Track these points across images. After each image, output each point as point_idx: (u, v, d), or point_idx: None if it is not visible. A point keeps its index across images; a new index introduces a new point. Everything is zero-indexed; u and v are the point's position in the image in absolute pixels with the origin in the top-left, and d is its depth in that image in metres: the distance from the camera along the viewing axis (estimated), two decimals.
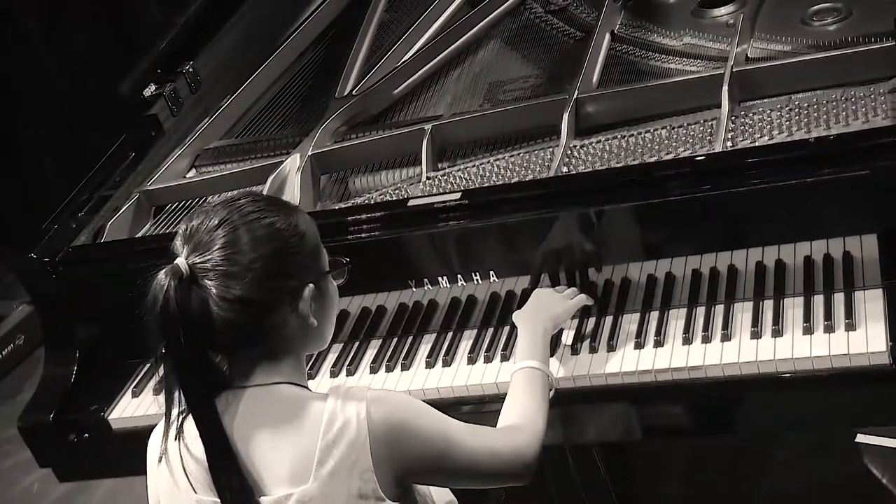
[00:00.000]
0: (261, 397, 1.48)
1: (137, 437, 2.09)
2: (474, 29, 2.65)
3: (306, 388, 1.54)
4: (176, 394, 1.46)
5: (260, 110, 2.69)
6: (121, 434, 2.14)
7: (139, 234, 2.38)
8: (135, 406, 2.15)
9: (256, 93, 2.72)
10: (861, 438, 2.67)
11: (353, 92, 2.52)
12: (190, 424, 1.48)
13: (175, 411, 1.49)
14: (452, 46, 2.61)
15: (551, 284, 1.97)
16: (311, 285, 1.49)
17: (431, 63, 2.58)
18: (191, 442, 1.48)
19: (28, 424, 2.17)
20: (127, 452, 2.13)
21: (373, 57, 2.69)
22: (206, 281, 1.42)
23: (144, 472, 2.33)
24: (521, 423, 1.63)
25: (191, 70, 2.70)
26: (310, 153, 2.33)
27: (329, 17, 2.93)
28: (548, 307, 1.85)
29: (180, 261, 1.44)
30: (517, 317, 1.88)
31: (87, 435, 2.16)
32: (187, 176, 2.53)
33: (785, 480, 2.65)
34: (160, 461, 1.52)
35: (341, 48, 2.81)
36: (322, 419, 1.44)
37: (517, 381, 1.72)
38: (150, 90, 2.65)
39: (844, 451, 2.65)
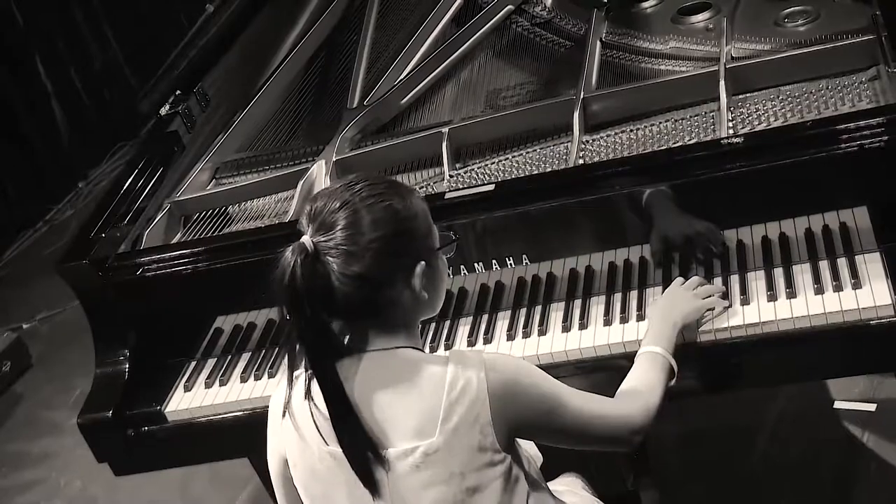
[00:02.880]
0: (382, 360, 1.63)
1: (192, 429, 2.28)
2: (468, 43, 2.84)
3: (422, 351, 1.70)
4: (300, 357, 1.61)
5: (270, 124, 2.85)
6: (177, 426, 2.27)
7: (173, 242, 2.52)
8: (189, 399, 2.29)
9: (263, 108, 2.88)
10: (839, 405, 2.91)
11: (365, 103, 2.70)
12: (316, 384, 1.62)
13: (300, 373, 1.64)
14: (449, 60, 2.81)
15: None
16: (423, 263, 1.63)
17: (431, 75, 2.77)
18: (318, 400, 1.62)
19: (88, 421, 2.29)
20: (182, 444, 2.30)
21: (371, 72, 2.87)
22: (329, 258, 1.57)
23: (196, 463, 2.49)
24: (634, 395, 1.79)
25: (200, 90, 2.86)
26: (334, 159, 2.50)
27: (320, 37, 3.11)
28: (682, 303, 1.97)
29: (306, 239, 1.58)
30: (651, 307, 2.02)
31: (144, 428, 2.28)
32: (209, 187, 2.68)
33: (773, 447, 2.86)
34: (284, 416, 1.67)
35: (336, 65, 3.00)
36: (446, 379, 1.59)
37: (640, 361, 1.87)
38: (164, 109, 2.80)
39: (825, 418, 2.88)
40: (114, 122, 5.44)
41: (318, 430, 1.62)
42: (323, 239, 1.58)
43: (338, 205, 1.60)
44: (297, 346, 1.61)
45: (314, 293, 1.56)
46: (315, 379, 1.62)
